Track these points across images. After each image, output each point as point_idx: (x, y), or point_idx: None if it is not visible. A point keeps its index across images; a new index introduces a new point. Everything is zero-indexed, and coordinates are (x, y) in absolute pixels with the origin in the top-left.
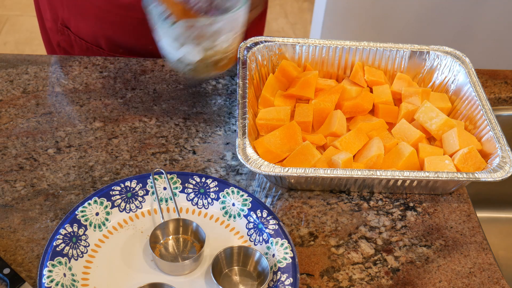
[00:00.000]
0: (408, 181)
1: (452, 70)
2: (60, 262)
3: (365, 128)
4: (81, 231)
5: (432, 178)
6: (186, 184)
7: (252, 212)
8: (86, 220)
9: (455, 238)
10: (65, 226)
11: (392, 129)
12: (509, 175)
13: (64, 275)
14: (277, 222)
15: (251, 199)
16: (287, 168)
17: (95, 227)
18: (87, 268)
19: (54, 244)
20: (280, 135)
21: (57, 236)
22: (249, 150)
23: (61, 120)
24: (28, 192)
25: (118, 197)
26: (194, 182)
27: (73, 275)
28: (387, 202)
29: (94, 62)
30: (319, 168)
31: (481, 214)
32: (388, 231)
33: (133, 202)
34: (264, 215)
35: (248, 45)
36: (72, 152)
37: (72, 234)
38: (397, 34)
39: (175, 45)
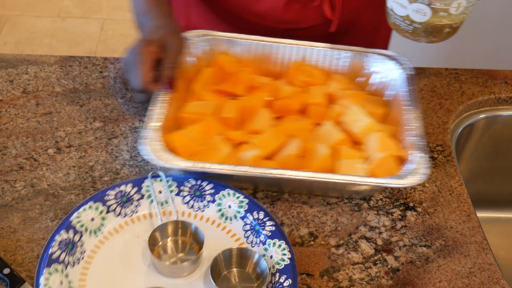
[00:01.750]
0: (317, 183)
1: (392, 74)
2: (56, 270)
3: (290, 128)
4: (76, 238)
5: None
6: (181, 187)
7: (248, 214)
8: (81, 226)
9: (455, 238)
10: (61, 232)
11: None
12: (415, 183)
13: (61, 282)
14: (274, 223)
15: (247, 200)
16: (189, 162)
17: (90, 233)
18: (83, 275)
19: (50, 251)
20: (198, 129)
21: (53, 243)
22: (156, 142)
23: (61, 120)
24: (28, 192)
25: (113, 201)
26: (189, 185)
27: (70, 282)
28: (387, 202)
29: (94, 62)
30: (220, 164)
31: (481, 214)
32: (388, 231)
33: (128, 207)
34: (261, 216)
35: (186, 38)
36: (72, 152)
37: (68, 240)
38: (395, 33)
39: (406, 1)
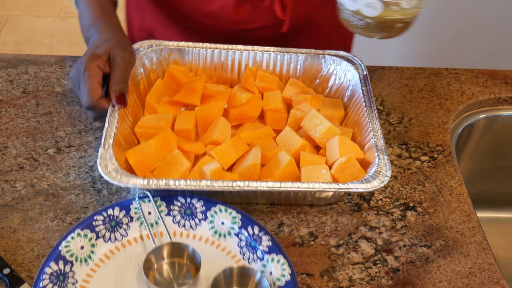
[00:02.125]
0: (282, 192)
1: (347, 75)
2: None
3: (249, 136)
4: (67, 268)
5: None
6: (171, 206)
7: (243, 230)
8: (71, 256)
9: (455, 238)
10: (50, 264)
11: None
12: (381, 185)
13: None
14: (270, 238)
15: (240, 216)
16: (145, 180)
17: (81, 261)
18: None
19: (41, 285)
20: (155, 144)
21: (43, 276)
22: (111, 161)
23: (61, 120)
24: (28, 192)
25: (102, 227)
26: (179, 204)
27: None
28: (387, 202)
29: None
30: (180, 179)
31: (481, 214)
32: (388, 231)
33: (118, 231)
34: (256, 231)
35: (134, 50)
36: (72, 152)
37: (58, 272)
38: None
39: None
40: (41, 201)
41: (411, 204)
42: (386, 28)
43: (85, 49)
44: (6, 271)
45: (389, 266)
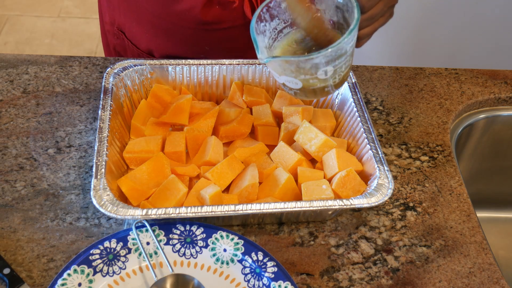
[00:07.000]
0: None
1: None
2: None
3: (243, 154)
4: None
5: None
6: (170, 235)
7: (246, 256)
8: None
9: (455, 238)
10: None
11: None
12: (386, 198)
13: None
14: (275, 264)
15: (242, 242)
16: (144, 210)
17: None
18: None
19: None
20: (147, 169)
21: None
22: (105, 192)
23: (61, 120)
24: (28, 192)
25: (99, 261)
26: (178, 232)
27: None
28: (387, 202)
29: (94, 62)
30: (180, 207)
31: (481, 214)
32: (388, 231)
33: (116, 264)
34: (260, 257)
35: (115, 71)
36: (72, 152)
37: None
38: (394, 34)
39: (275, 73)
40: (41, 201)
41: (411, 204)
42: (315, 92)
43: (85, 49)
44: (6, 271)
45: (389, 266)
